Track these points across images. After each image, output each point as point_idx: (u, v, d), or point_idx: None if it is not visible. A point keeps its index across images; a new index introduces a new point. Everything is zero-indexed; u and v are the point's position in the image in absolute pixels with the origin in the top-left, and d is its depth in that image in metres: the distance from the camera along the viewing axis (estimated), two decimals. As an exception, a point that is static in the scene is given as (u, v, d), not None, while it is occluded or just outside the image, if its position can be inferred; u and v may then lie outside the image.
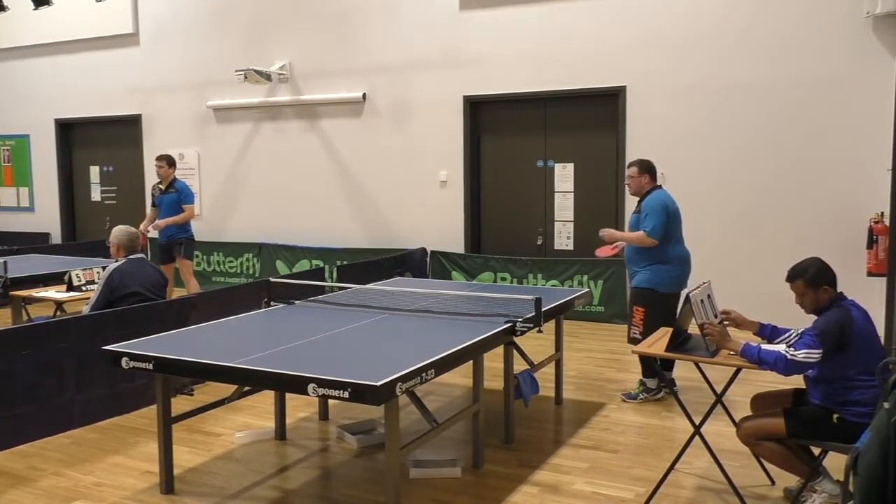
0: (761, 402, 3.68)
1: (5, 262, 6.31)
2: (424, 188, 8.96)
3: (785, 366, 3.18)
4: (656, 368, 4.97)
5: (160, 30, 10.53)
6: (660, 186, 5.26)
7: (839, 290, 3.38)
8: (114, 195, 11.28)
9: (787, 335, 3.59)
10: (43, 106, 11.68)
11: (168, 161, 7.78)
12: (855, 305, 3.32)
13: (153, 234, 7.90)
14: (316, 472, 4.11)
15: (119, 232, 5.31)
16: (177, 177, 7.91)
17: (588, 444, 4.44)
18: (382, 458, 4.04)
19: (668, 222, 5.04)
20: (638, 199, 5.25)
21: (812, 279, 3.34)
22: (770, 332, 3.66)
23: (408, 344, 3.77)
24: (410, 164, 9.01)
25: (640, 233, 5.02)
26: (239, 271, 9.88)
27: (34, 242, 10.85)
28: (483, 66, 8.49)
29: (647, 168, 5.21)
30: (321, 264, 9.08)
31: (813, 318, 3.37)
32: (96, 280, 5.27)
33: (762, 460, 3.75)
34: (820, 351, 3.16)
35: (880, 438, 2.26)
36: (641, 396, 5.20)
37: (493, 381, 4.98)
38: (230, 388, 4.22)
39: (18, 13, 10.13)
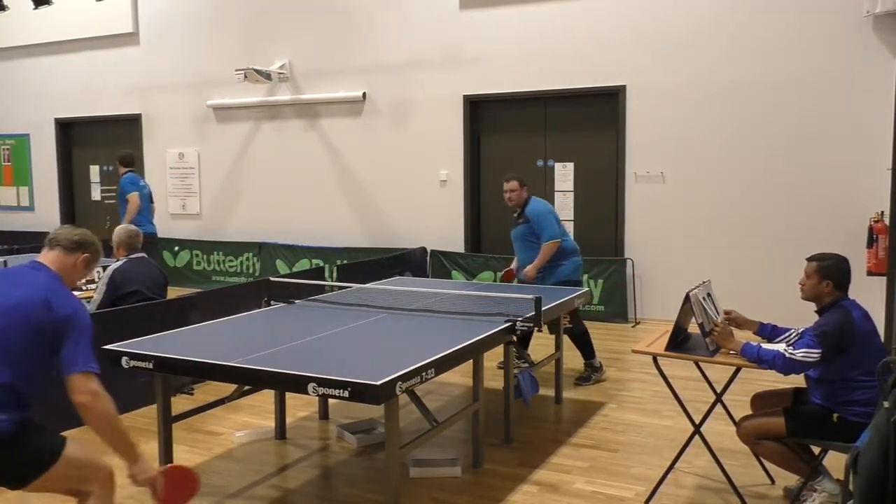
0: (761, 402, 3.68)
1: (5, 262, 6.31)
2: (424, 188, 8.96)
3: (783, 364, 3.19)
4: (591, 348, 5.57)
5: (160, 29, 10.53)
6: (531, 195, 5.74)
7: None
8: (114, 195, 11.23)
9: (787, 334, 3.59)
10: (43, 105, 11.68)
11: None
12: (856, 306, 3.32)
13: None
14: (316, 471, 4.11)
15: (120, 231, 5.31)
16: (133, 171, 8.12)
17: (588, 443, 4.44)
18: (382, 458, 4.04)
19: (557, 221, 5.60)
20: (516, 209, 5.69)
21: (824, 269, 3.36)
22: (770, 332, 3.66)
23: (408, 343, 3.77)
24: (410, 163, 9.01)
25: (547, 244, 5.45)
26: (239, 271, 9.87)
27: (34, 242, 10.78)
28: (483, 66, 8.49)
29: (524, 181, 5.66)
30: (321, 263, 9.07)
31: (806, 311, 3.37)
32: (97, 279, 5.26)
33: (762, 459, 3.75)
34: (819, 351, 3.16)
35: (880, 437, 2.26)
36: (594, 377, 5.56)
37: (493, 380, 4.98)
38: (230, 388, 4.21)
39: (18, 13, 10.12)
